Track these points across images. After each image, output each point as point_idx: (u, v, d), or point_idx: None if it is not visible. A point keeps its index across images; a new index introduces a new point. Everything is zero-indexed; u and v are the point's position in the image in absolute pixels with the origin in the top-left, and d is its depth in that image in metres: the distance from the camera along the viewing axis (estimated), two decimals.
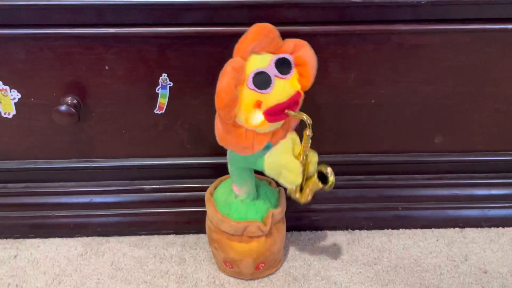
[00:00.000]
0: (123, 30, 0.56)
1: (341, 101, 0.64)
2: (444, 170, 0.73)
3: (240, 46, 0.48)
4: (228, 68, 0.46)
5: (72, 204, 0.71)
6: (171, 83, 0.61)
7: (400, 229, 0.73)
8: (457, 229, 0.73)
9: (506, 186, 0.74)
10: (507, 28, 0.59)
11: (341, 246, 0.70)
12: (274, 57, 0.49)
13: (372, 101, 0.64)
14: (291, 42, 0.50)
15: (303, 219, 0.72)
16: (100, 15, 0.55)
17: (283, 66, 0.49)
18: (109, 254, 0.68)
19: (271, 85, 0.48)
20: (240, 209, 0.60)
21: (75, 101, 0.60)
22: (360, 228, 0.73)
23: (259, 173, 0.57)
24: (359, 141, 0.69)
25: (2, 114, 0.63)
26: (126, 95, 0.62)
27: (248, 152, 0.53)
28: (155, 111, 0.63)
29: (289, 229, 0.69)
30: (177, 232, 0.72)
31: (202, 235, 0.71)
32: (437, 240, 0.71)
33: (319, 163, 0.54)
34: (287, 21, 0.56)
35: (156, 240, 0.71)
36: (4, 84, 0.60)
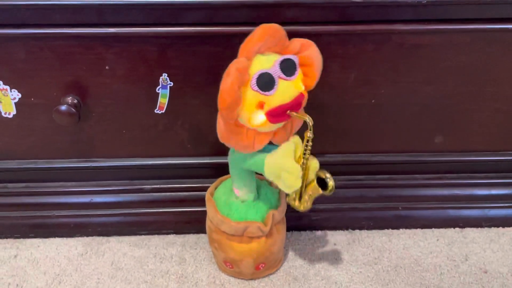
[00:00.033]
0: (123, 30, 0.56)
1: (341, 101, 0.64)
2: (444, 170, 0.73)
3: (245, 46, 0.48)
4: (232, 69, 0.46)
5: (72, 204, 0.71)
6: (172, 83, 0.61)
7: (400, 229, 0.73)
8: (457, 229, 0.73)
9: (506, 186, 0.74)
10: (507, 28, 0.59)
11: (341, 246, 0.70)
12: (279, 58, 0.49)
13: (372, 101, 0.64)
14: (297, 42, 0.50)
15: (303, 219, 0.72)
16: (100, 15, 0.55)
17: (287, 67, 0.49)
18: (109, 254, 0.68)
19: (275, 87, 0.48)
20: (240, 209, 0.60)
21: (75, 101, 0.60)
22: (361, 228, 0.73)
23: (260, 173, 0.57)
24: (359, 141, 0.69)
25: (3, 114, 0.63)
26: (127, 95, 0.62)
27: (249, 150, 0.53)
28: (155, 111, 0.63)
29: (289, 229, 0.69)
30: (177, 232, 0.72)
31: (202, 235, 0.71)
32: (438, 240, 0.71)
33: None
34: (287, 21, 0.56)
35: (156, 240, 0.71)
36: (4, 84, 0.60)
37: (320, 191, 0.53)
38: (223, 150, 0.62)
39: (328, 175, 0.53)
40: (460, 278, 0.65)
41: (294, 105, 0.50)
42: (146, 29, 0.56)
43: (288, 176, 0.50)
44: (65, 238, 0.71)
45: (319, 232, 0.72)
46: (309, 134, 0.51)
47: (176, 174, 0.71)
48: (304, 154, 0.52)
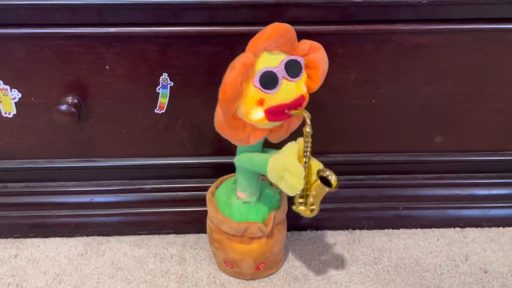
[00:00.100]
0: (123, 30, 0.56)
1: (342, 101, 0.64)
2: (444, 170, 0.73)
3: (254, 42, 0.48)
4: (237, 63, 0.46)
5: (72, 203, 0.71)
6: (172, 83, 0.61)
7: (401, 229, 0.73)
8: (457, 229, 0.73)
9: (506, 186, 0.74)
10: (507, 28, 0.59)
11: (342, 246, 0.70)
12: (285, 59, 0.49)
13: (373, 101, 0.64)
14: (306, 44, 0.50)
15: (303, 219, 0.71)
16: (100, 15, 0.55)
17: (292, 68, 0.49)
18: (109, 253, 0.68)
19: (277, 86, 0.48)
20: (241, 209, 0.60)
21: (75, 101, 0.60)
22: (361, 228, 0.73)
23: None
24: (359, 141, 0.69)
25: (3, 114, 0.63)
26: (127, 94, 0.62)
27: (243, 144, 0.53)
28: (155, 111, 0.63)
29: (289, 229, 0.69)
30: (178, 231, 0.72)
31: (202, 235, 0.71)
32: (438, 240, 0.71)
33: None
34: (287, 21, 0.55)
35: (156, 240, 0.71)
36: (4, 83, 0.60)
37: (326, 189, 0.52)
38: (223, 150, 0.62)
39: (328, 171, 0.52)
40: (460, 278, 0.65)
41: (293, 105, 0.50)
42: (146, 29, 0.56)
43: (291, 176, 0.50)
44: (65, 238, 0.71)
45: (319, 232, 0.72)
46: (307, 129, 0.50)
47: (176, 174, 0.71)
48: (305, 152, 0.52)
